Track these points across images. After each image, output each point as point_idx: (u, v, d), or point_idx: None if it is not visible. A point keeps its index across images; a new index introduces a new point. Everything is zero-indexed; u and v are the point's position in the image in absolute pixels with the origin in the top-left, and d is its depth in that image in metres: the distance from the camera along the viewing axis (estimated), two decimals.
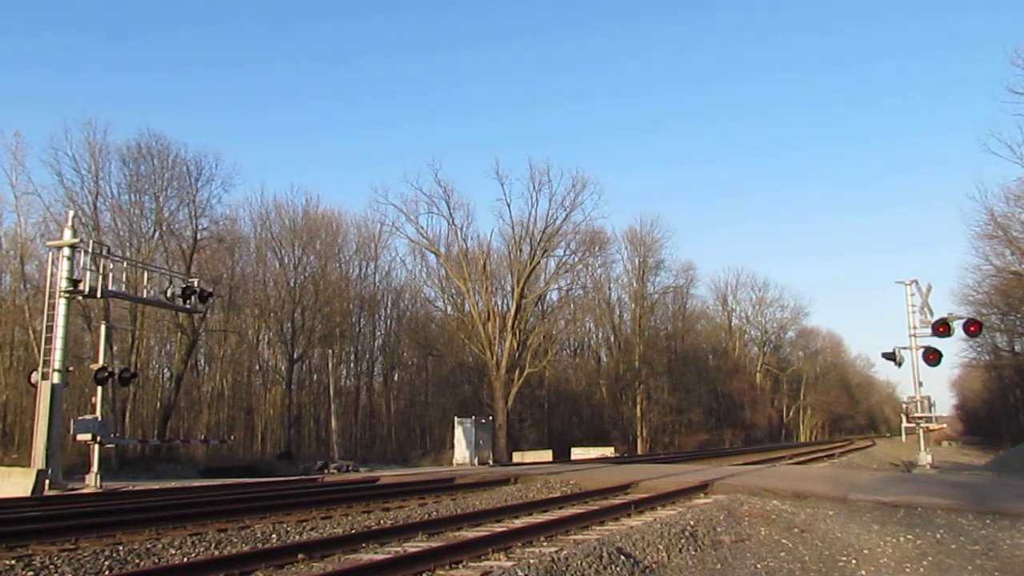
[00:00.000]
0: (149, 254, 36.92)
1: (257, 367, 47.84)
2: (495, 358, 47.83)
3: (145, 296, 25.04)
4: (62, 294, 20.83)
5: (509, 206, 50.67)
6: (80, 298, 22.58)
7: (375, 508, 13.45)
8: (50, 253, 23.69)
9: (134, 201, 39.45)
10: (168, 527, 10.56)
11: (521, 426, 54.71)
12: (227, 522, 11.23)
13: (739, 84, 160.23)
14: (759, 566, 8.16)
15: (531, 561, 7.30)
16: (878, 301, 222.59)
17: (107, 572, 7.64)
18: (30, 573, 7.46)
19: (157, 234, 39.31)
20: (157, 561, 8.23)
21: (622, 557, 7.86)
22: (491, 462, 35.55)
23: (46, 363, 20.55)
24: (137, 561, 8.23)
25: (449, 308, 55.43)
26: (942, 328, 25.29)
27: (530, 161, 70.79)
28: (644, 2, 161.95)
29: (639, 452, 58.21)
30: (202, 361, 45.38)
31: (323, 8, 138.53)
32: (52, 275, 21.83)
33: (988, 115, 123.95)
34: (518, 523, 10.64)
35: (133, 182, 39.26)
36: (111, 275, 22.00)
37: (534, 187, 49.47)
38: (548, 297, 56.92)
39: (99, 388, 23.07)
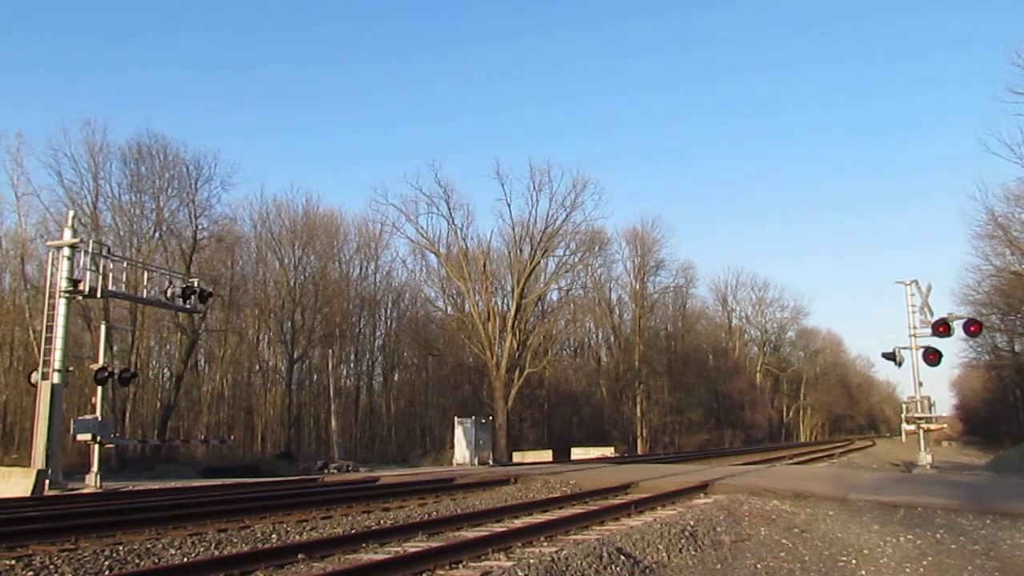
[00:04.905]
0: (149, 254, 36.91)
1: (257, 367, 47.82)
2: (495, 358, 47.81)
3: (145, 296, 25.02)
4: (62, 294, 20.83)
5: (509, 206, 50.67)
6: (80, 298, 22.57)
7: (375, 508, 13.45)
8: (50, 253, 23.68)
9: (134, 201, 39.46)
10: (168, 527, 10.56)
11: (521, 426, 54.70)
12: (227, 522, 11.22)
13: (739, 84, 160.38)
14: (759, 566, 8.16)
15: (531, 561, 7.30)
16: (878, 301, 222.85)
17: (107, 572, 7.64)
18: (30, 573, 7.46)
19: (157, 234, 39.32)
20: (157, 561, 8.23)
21: (622, 557, 7.86)
22: (491, 462, 35.53)
23: (46, 363, 20.54)
24: (137, 561, 8.23)
25: (449, 308, 55.48)
26: (942, 328, 25.28)
27: (530, 161, 70.69)
28: (644, 2, 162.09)
29: (639, 452, 58.20)
30: (202, 361, 45.37)
31: (323, 8, 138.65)
32: (52, 275, 21.82)
33: (988, 115, 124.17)
34: (518, 523, 10.65)
35: (133, 182, 39.26)
36: (111, 275, 21.99)
37: (534, 187, 49.48)
38: (548, 297, 56.95)
39: (99, 388, 23.05)
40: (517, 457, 45.17)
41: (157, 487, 20.50)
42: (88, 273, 21.09)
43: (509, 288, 52.88)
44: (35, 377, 20.90)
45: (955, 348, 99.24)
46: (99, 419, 22.08)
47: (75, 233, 21.49)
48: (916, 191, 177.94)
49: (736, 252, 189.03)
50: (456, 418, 37.80)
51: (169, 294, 24.42)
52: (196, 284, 24.62)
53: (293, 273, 47.66)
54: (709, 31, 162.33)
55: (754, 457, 39.84)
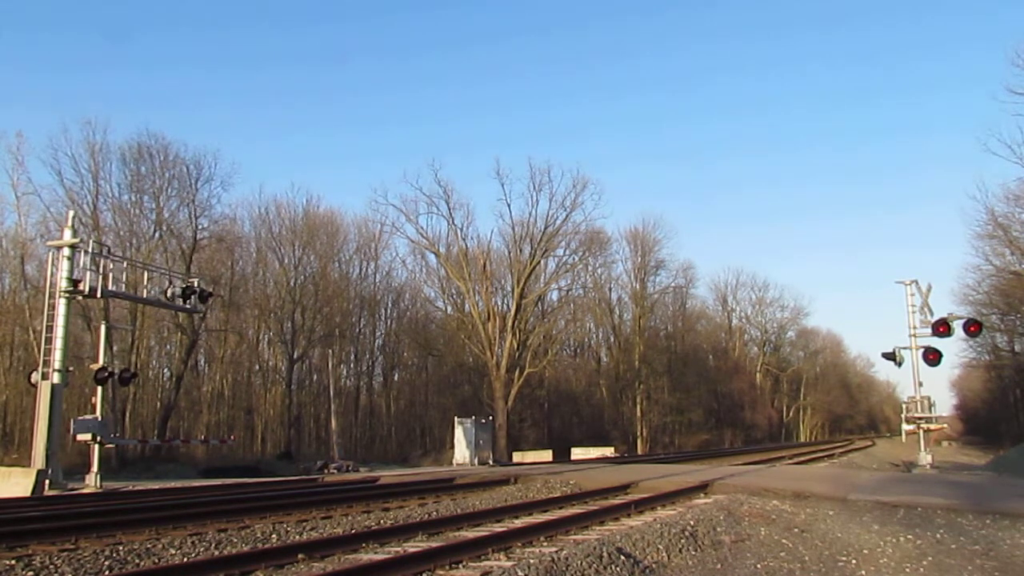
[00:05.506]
0: (149, 254, 36.90)
1: (257, 367, 47.83)
2: (495, 358, 47.82)
3: (145, 296, 25.02)
4: (62, 294, 20.83)
5: (509, 206, 50.71)
6: (80, 298, 22.57)
7: (375, 508, 13.45)
8: (50, 253, 23.67)
9: (134, 201, 39.47)
10: (168, 527, 10.56)
11: (521, 426, 54.70)
12: (227, 522, 11.22)
13: (739, 84, 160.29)
14: (759, 566, 8.16)
15: (531, 561, 7.30)
16: (878, 301, 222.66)
17: (107, 572, 7.64)
18: (30, 573, 7.46)
19: (157, 234, 39.32)
20: (157, 561, 8.23)
21: (622, 557, 7.86)
22: (491, 462, 35.53)
23: (46, 363, 20.54)
24: (137, 561, 8.23)
25: (449, 308, 55.48)
26: (942, 328, 25.28)
27: (530, 161, 70.73)
28: (643, 2, 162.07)
29: (639, 452, 58.21)
30: (202, 361, 45.39)
31: (322, 8, 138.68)
32: (52, 275, 21.81)
33: (988, 115, 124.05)
34: (518, 523, 10.65)
35: (133, 182, 39.29)
36: (111, 275, 22.00)
37: (534, 187, 49.52)
38: (548, 297, 56.98)
39: (99, 388, 23.05)
40: (517, 457, 45.17)
41: (157, 487, 20.50)
42: (88, 273, 21.09)
43: (509, 288, 52.94)
44: (35, 377, 20.90)
45: (955, 348, 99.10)
46: (99, 419, 22.08)
47: (75, 233, 21.49)
48: (916, 191, 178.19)
49: (736, 252, 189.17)
50: (456, 418, 37.81)
51: (169, 294, 24.42)
52: (196, 284, 24.63)
53: (293, 273, 47.69)
54: (709, 31, 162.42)
55: (754, 457, 39.84)
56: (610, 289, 68.77)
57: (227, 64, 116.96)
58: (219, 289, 39.19)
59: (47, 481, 18.75)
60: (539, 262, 50.45)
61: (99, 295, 22.10)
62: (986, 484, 17.88)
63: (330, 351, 44.78)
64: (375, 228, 53.41)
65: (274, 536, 10.13)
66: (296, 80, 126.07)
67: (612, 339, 69.15)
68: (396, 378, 57.20)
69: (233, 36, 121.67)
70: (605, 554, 7.78)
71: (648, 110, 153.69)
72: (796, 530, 10.42)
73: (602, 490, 15.24)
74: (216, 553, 8.72)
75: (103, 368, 22.44)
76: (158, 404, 40.67)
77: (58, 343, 20.62)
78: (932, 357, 25.62)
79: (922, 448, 26.57)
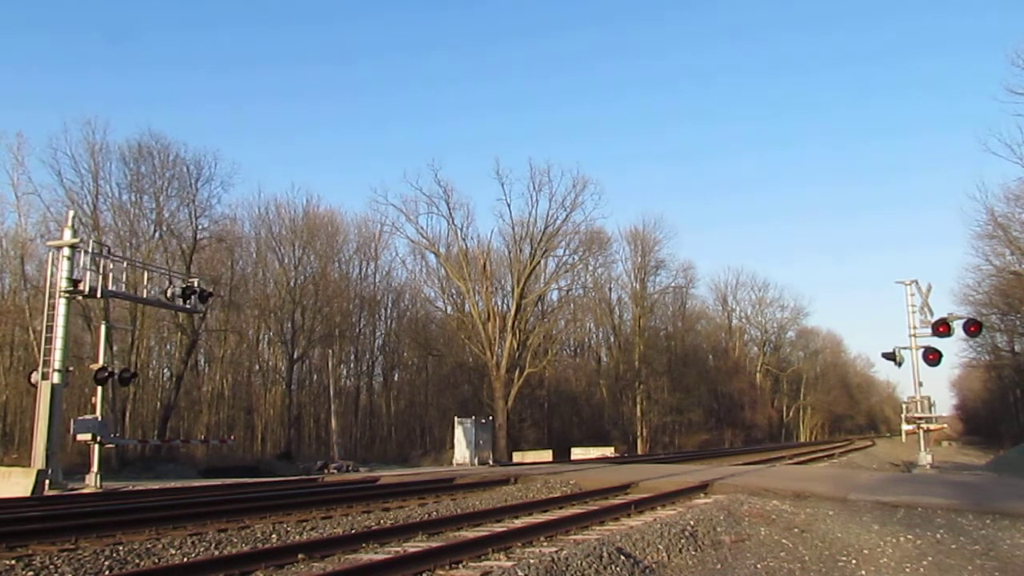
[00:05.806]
0: (149, 254, 36.90)
1: (257, 367, 47.85)
2: (495, 358, 47.83)
3: (145, 296, 25.04)
4: (62, 294, 20.83)
5: (509, 206, 50.72)
6: (80, 298, 22.58)
7: (375, 508, 13.45)
8: (50, 253, 23.68)
9: (134, 201, 39.46)
10: (168, 527, 10.56)
11: (521, 426, 54.70)
12: (227, 522, 11.22)
13: (739, 84, 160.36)
14: (759, 566, 8.16)
15: (531, 561, 7.30)
16: (878, 301, 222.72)
17: (107, 572, 7.64)
18: (30, 573, 7.46)
19: (157, 234, 39.32)
20: (157, 561, 8.23)
21: (622, 557, 7.86)
22: (491, 462, 35.52)
23: (46, 363, 20.54)
24: (137, 561, 8.23)
25: (449, 308, 55.48)
26: (942, 328, 25.28)
27: (530, 161, 70.94)
28: (643, 2, 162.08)
29: (639, 452, 58.19)
30: (202, 361, 45.38)
31: (323, 8, 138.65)
32: (52, 275, 21.81)
33: (988, 115, 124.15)
34: (518, 523, 10.65)
35: (133, 182, 39.28)
36: (111, 275, 22.00)
37: (534, 187, 49.54)
38: (548, 297, 56.99)
39: (99, 388, 23.03)
40: (517, 457, 45.16)
41: (157, 487, 20.49)
42: (88, 273, 21.09)
43: (509, 288, 52.96)
44: (35, 377, 20.89)
45: (955, 348, 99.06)
46: (99, 419, 22.07)
47: (75, 233, 21.48)
48: (916, 191, 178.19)
49: (736, 252, 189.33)
50: (456, 418, 37.79)
51: (169, 294, 24.43)
52: (196, 284, 24.63)
53: (293, 273, 47.69)
54: (708, 31, 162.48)
55: (754, 457, 39.83)
56: (610, 289, 68.87)
57: (227, 64, 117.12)
58: (219, 289, 39.18)
59: (47, 481, 18.75)
60: (539, 262, 50.47)
61: (99, 295, 22.11)
62: (986, 484, 17.88)
63: (330, 351, 44.78)
64: (375, 228, 53.51)
65: (274, 536, 10.13)
66: (296, 80, 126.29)
67: (612, 339, 69.17)
68: (396, 378, 57.23)
69: (233, 36, 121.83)
70: (605, 554, 7.78)
71: (648, 110, 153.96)
72: (796, 530, 10.42)
73: (602, 490, 15.24)
74: (216, 553, 8.73)
75: (103, 368, 22.43)
76: (158, 404, 40.67)
77: (58, 343, 20.62)
78: (932, 357, 25.63)
79: (922, 448, 26.57)
